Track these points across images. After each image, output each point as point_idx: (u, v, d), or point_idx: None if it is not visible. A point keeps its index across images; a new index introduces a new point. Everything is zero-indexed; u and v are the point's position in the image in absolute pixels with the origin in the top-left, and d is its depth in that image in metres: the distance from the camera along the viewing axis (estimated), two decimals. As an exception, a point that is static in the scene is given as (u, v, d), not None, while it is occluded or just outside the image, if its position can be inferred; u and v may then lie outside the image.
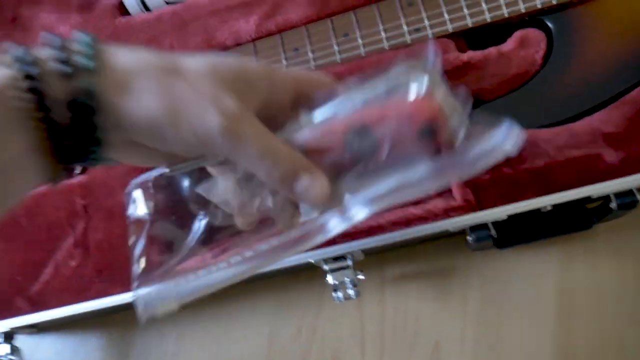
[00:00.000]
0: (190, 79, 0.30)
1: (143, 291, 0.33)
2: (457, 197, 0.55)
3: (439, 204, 0.55)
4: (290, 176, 0.31)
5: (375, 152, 0.29)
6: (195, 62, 0.31)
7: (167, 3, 0.66)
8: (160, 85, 0.29)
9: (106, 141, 0.29)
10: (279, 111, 0.34)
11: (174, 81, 0.30)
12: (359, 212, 0.30)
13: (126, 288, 0.59)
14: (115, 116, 0.29)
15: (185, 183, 0.35)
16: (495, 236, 0.55)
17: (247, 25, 0.63)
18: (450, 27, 0.59)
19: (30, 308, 0.60)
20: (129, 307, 0.60)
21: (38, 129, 0.28)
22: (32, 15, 0.67)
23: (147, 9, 0.67)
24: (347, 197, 0.30)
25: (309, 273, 0.64)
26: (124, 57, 0.30)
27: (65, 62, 0.29)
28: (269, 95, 0.33)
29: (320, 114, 0.31)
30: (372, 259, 0.62)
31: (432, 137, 0.29)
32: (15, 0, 0.69)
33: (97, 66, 0.29)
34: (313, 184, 0.31)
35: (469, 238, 0.56)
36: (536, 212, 0.55)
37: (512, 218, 0.55)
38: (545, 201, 0.54)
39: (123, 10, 0.67)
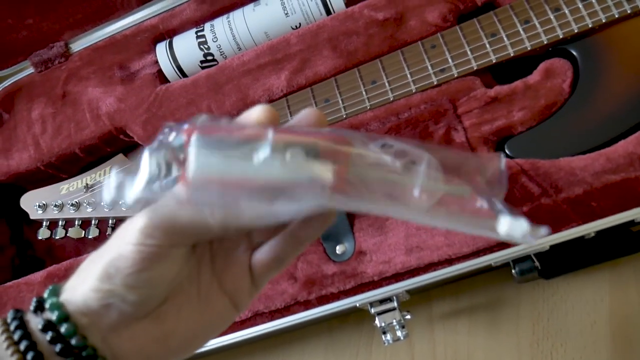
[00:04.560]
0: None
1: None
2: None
3: (479, 240, 0.56)
4: None
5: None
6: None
7: (202, 67, 0.70)
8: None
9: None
10: None
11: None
12: None
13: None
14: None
15: None
16: (540, 267, 0.55)
17: (279, 81, 0.66)
18: (474, 65, 0.60)
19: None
20: None
21: None
22: (80, 90, 0.72)
23: (183, 74, 0.71)
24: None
25: (356, 317, 0.65)
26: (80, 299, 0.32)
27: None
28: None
29: None
30: (418, 298, 0.62)
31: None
32: (64, 78, 0.74)
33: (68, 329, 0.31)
34: None
35: (513, 271, 0.56)
36: (580, 240, 0.55)
37: (555, 247, 0.54)
38: (587, 228, 0.54)
39: (162, 78, 0.71)
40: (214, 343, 0.60)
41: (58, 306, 0.31)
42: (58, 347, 0.31)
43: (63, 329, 0.31)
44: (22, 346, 0.30)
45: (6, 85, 0.77)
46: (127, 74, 0.72)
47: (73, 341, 0.31)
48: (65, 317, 0.31)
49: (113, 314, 0.32)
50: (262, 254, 0.35)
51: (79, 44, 0.76)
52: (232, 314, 0.36)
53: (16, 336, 0.31)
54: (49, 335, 0.31)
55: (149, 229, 0.30)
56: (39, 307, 0.32)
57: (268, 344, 0.67)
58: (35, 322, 0.31)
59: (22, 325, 0.31)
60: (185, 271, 0.34)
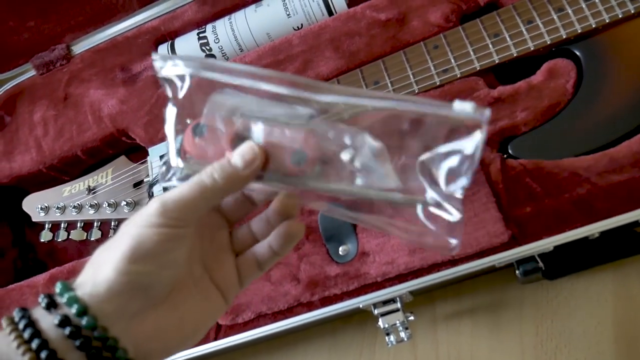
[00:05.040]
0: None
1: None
2: (501, 232, 0.55)
3: (483, 240, 0.55)
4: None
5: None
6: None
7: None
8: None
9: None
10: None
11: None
12: None
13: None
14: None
15: None
16: (544, 268, 0.55)
17: (281, 82, 0.66)
18: (477, 65, 0.60)
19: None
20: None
21: None
22: (82, 92, 0.72)
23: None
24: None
25: (360, 318, 0.65)
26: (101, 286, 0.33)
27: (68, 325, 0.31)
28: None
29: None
30: (422, 298, 0.62)
31: (302, 162, 0.35)
32: (65, 80, 0.74)
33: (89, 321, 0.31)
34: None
35: (517, 272, 0.56)
36: (584, 241, 0.54)
37: (559, 248, 0.54)
38: (591, 229, 0.53)
39: (164, 80, 0.71)
40: (218, 345, 0.60)
41: (76, 299, 0.31)
42: (78, 342, 0.30)
43: (84, 321, 0.31)
44: (34, 345, 0.30)
45: (8, 87, 0.77)
46: (129, 76, 0.72)
47: (95, 333, 0.31)
48: (84, 309, 0.31)
49: (139, 299, 0.33)
50: (248, 257, 0.39)
51: (81, 46, 0.76)
52: (223, 306, 0.39)
53: (26, 335, 0.30)
54: (67, 330, 0.31)
55: (167, 211, 0.33)
56: (52, 304, 0.32)
57: (271, 345, 0.67)
58: (46, 320, 0.31)
59: (31, 323, 0.31)
60: (187, 266, 0.36)
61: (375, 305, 0.57)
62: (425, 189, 0.35)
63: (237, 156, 0.35)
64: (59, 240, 0.68)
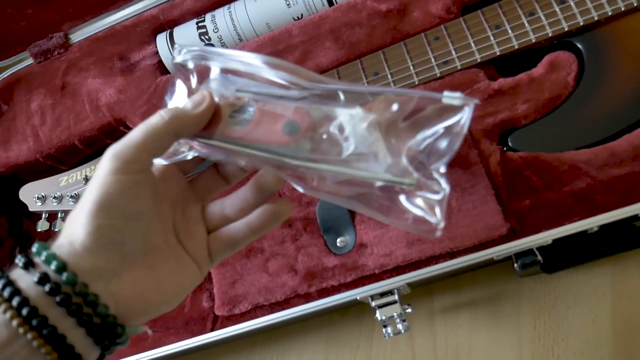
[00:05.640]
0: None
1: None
2: (500, 225, 0.55)
3: (481, 233, 0.55)
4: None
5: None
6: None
7: (203, 58, 0.69)
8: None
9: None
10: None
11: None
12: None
13: (180, 336, 0.61)
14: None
15: None
16: (542, 261, 0.55)
17: (280, 72, 0.65)
18: (478, 57, 0.60)
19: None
20: (183, 354, 0.62)
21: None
22: (79, 81, 0.72)
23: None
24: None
25: (357, 310, 0.65)
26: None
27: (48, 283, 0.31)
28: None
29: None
30: (420, 291, 0.62)
31: (294, 132, 0.37)
32: (63, 69, 0.73)
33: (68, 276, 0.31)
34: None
35: (515, 265, 0.56)
36: (582, 234, 0.54)
37: (558, 242, 0.54)
38: (590, 223, 0.53)
39: (162, 69, 0.71)
40: (215, 335, 0.59)
41: (54, 256, 0.31)
42: (58, 298, 0.30)
43: (64, 277, 0.31)
44: (15, 302, 0.30)
45: (5, 76, 0.76)
46: (127, 65, 0.72)
47: (75, 289, 0.31)
48: (63, 265, 0.31)
49: (114, 254, 0.33)
50: (219, 236, 0.40)
51: (79, 35, 0.75)
52: (198, 276, 0.39)
53: (6, 293, 0.30)
54: (47, 287, 0.31)
55: (117, 154, 0.33)
56: (29, 264, 0.32)
57: (269, 337, 0.67)
58: (25, 279, 0.31)
59: (10, 282, 0.31)
60: (159, 228, 0.37)
61: (372, 297, 0.56)
62: (411, 172, 0.36)
63: (188, 100, 0.37)
64: (56, 229, 0.68)
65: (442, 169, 0.35)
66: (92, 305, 0.31)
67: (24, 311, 0.30)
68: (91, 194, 0.33)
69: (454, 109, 0.35)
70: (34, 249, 0.33)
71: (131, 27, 0.73)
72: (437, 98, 0.35)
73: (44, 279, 0.31)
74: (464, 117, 0.35)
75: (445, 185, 0.35)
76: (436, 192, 0.35)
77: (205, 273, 0.40)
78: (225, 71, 0.39)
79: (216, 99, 0.38)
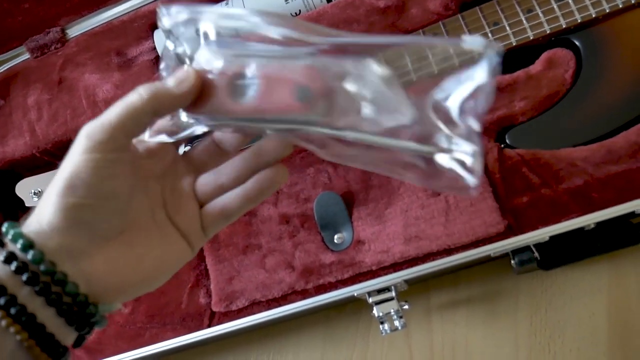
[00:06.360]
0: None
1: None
2: (497, 222, 0.55)
3: (479, 230, 0.55)
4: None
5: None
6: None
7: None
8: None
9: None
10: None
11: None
12: None
13: (177, 332, 0.61)
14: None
15: None
16: (539, 258, 0.55)
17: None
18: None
19: (88, 356, 0.63)
20: (180, 351, 0.62)
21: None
22: (76, 76, 0.71)
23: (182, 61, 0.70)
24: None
25: (354, 306, 0.65)
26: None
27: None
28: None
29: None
30: (416, 288, 0.62)
31: (307, 98, 0.33)
32: (60, 64, 0.73)
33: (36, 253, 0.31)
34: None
35: (512, 262, 0.56)
36: (579, 231, 0.54)
37: (555, 239, 0.54)
38: (587, 220, 0.53)
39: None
40: (212, 332, 0.59)
41: (20, 235, 0.31)
42: (25, 276, 0.30)
43: (30, 255, 0.30)
44: None
45: (2, 70, 0.76)
46: (124, 61, 0.71)
47: (41, 267, 0.30)
48: (30, 244, 0.31)
49: (83, 233, 0.32)
50: (212, 208, 0.38)
51: (76, 30, 0.75)
52: (188, 253, 0.38)
53: None
54: (13, 266, 0.30)
55: (91, 134, 0.32)
56: None
57: (265, 333, 0.67)
58: (8, 274, 0.30)
59: None
60: (143, 205, 0.36)
61: (369, 294, 0.57)
62: (439, 127, 0.33)
63: (170, 77, 0.34)
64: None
65: (475, 125, 0.32)
66: (60, 284, 0.31)
67: None
68: (62, 173, 0.32)
69: (477, 58, 0.32)
70: (4, 228, 0.32)
71: (128, 22, 0.73)
72: (457, 44, 0.32)
73: (10, 258, 0.30)
74: (488, 65, 0.32)
75: (477, 142, 0.32)
76: (468, 151, 0.32)
77: (198, 249, 0.39)
78: (218, 34, 0.35)
79: (211, 67, 0.34)
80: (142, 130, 0.34)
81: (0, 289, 0.30)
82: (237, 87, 0.34)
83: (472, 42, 0.32)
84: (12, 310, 0.29)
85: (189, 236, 0.38)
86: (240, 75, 0.34)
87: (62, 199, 0.31)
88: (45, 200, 0.32)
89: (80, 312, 0.32)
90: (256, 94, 0.34)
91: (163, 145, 0.38)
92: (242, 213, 0.38)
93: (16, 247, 0.31)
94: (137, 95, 0.33)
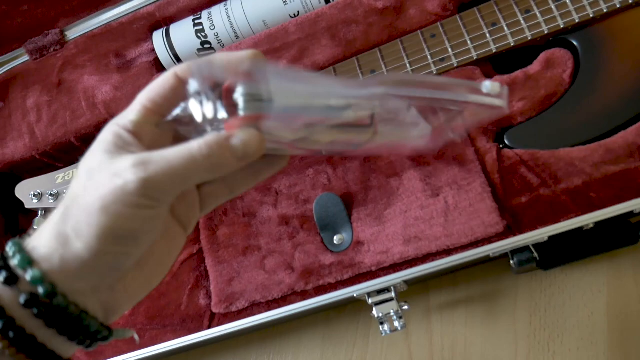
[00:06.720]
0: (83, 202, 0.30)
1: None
2: (496, 222, 0.55)
3: (478, 230, 0.55)
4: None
5: None
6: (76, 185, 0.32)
7: (199, 56, 0.69)
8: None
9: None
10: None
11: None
12: None
13: (177, 334, 0.61)
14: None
15: None
16: (538, 258, 0.55)
17: (277, 69, 0.65)
18: (474, 55, 0.60)
19: (88, 358, 0.63)
20: (180, 352, 0.62)
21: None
22: (75, 78, 0.72)
23: (180, 62, 0.70)
24: None
25: (354, 307, 0.65)
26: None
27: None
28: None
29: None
30: (416, 288, 0.62)
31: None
32: (59, 66, 0.73)
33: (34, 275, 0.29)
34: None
35: (511, 262, 0.56)
36: (578, 231, 0.54)
37: (554, 239, 0.54)
38: (586, 219, 0.53)
39: (159, 67, 0.71)
40: (212, 333, 0.59)
41: (41, 279, 0.29)
42: (46, 319, 0.29)
43: (54, 301, 0.29)
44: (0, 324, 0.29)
45: (1, 73, 0.76)
46: (123, 62, 0.71)
47: (62, 303, 0.30)
48: (53, 290, 0.29)
49: (113, 275, 0.31)
50: (215, 184, 0.36)
51: (75, 32, 0.75)
52: (184, 238, 0.36)
53: None
54: (35, 310, 0.29)
55: (149, 190, 0.29)
56: (12, 280, 0.29)
57: (265, 334, 0.67)
58: (7, 294, 0.29)
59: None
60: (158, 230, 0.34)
61: (369, 295, 0.57)
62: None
63: (241, 143, 0.30)
64: (52, 227, 0.68)
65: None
66: (78, 320, 0.30)
67: (11, 334, 0.29)
68: (104, 216, 0.29)
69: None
70: (16, 261, 0.30)
71: (127, 24, 0.73)
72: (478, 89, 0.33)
73: (30, 302, 0.29)
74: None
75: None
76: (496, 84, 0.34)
77: (192, 227, 0.37)
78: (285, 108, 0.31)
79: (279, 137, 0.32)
80: (186, 189, 0.33)
81: (9, 320, 0.29)
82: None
83: (492, 95, 0.33)
84: (10, 334, 0.29)
85: (185, 219, 0.36)
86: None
87: (101, 246, 0.29)
88: (75, 236, 0.30)
89: (93, 337, 0.31)
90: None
91: None
92: (247, 188, 0.37)
93: (37, 290, 0.29)
94: (197, 148, 0.30)
